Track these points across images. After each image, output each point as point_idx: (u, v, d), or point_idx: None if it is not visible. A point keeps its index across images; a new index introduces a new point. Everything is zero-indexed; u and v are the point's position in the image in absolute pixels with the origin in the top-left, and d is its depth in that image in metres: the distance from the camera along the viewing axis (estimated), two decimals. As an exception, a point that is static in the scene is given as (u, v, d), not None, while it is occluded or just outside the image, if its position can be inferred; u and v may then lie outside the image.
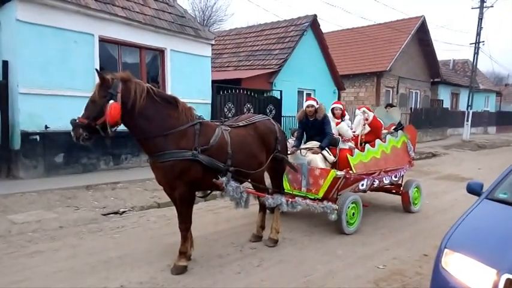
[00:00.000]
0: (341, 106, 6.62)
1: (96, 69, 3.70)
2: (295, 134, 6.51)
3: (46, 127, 8.17)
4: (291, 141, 6.11)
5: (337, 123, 6.35)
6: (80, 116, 3.63)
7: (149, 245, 4.85)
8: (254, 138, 4.52)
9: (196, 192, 4.31)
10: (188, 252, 4.17)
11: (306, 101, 6.16)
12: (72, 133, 3.61)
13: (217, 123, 4.37)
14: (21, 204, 6.25)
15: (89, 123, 3.57)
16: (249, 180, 4.66)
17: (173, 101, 3.96)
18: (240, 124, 4.54)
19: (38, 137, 8.12)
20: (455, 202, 7.61)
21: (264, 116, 4.97)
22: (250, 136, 4.50)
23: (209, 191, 4.54)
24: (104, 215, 6.08)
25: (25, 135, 7.98)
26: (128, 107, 3.64)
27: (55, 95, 8.32)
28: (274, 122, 4.94)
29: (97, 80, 3.69)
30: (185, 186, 3.92)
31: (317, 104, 6.00)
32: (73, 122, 3.61)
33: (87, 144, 3.67)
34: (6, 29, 8.19)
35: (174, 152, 3.77)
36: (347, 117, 6.73)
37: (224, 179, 4.06)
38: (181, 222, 4.07)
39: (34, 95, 8.00)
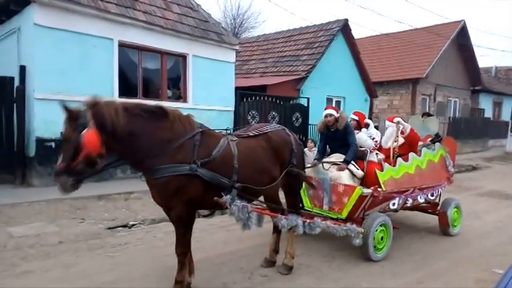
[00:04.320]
0: (356, 117, 6.07)
1: (62, 105, 3.13)
2: (309, 143, 5.90)
3: (62, 134, 7.95)
4: (307, 152, 5.49)
5: None
6: (58, 163, 3.08)
7: (148, 268, 4.38)
8: (266, 151, 3.96)
9: (201, 211, 3.80)
10: (185, 281, 3.64)
11: (324, 110, 5.53)
12: (58, 186, 3.05)
13: (223, 133, 3.85)
14: (26, 214, 5.98)
15: (68, 165, 3.02)
16: (260, 198, 4.11)
17: (159, 110, 3.43)
18: (251, 134, 4.00)
19: (53, 144, 7.92)
20: (500, 224, 6.74)
21: (279, 125, 4.39)
22: (262, 148, 3.95)
23: (212, 211, 4.01)
24: (110, 228, 5.70)
25: (40, 142, 7.81)
26: (107, 131, 3.11)
27: (72, 100, 7.98)
28: (289, 133, 4.35)
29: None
30: (183, 205, 3.42)
31: (337, 113, 5.36)
32: (55, 172, 3.07)
33: (77, 189, 3.14)
34: (25, 34, 8.08)
35: (168, 166, 3.27)
36: (372, 126, 6.18)
37: (228, 197, 3.52)
38: (178, 246, 3.57)
39: (50, 101, 7.78)
